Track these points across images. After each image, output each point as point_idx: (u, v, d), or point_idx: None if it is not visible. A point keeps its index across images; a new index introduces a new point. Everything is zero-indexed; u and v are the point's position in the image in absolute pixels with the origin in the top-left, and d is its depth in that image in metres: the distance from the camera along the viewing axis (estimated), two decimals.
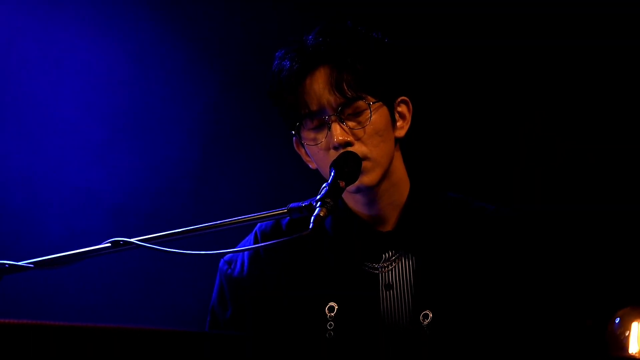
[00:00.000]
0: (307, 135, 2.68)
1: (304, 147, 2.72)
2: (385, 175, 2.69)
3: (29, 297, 3.85)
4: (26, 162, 3.92)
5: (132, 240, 2.37)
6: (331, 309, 2.69)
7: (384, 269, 2.72)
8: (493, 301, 2.67)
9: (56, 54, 3.94)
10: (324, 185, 2.50)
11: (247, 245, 2.83)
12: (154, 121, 3.99)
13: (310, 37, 2.69)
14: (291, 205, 2.47)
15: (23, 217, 3.90)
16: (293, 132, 2.71)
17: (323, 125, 2.65)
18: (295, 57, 2.66)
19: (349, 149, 2.62)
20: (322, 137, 2.65)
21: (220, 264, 2.84)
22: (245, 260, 2.80)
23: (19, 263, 2.33)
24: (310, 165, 2.76)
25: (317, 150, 2.66)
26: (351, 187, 2.62)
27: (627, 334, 2.80)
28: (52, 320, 1.84)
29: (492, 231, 2.73)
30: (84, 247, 2.39)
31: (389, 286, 2.70)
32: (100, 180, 3.95)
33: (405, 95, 2.75)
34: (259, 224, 2.83)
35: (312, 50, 2.66)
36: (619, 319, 2.94)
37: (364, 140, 2.64)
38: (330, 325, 2.68)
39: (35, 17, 3.92)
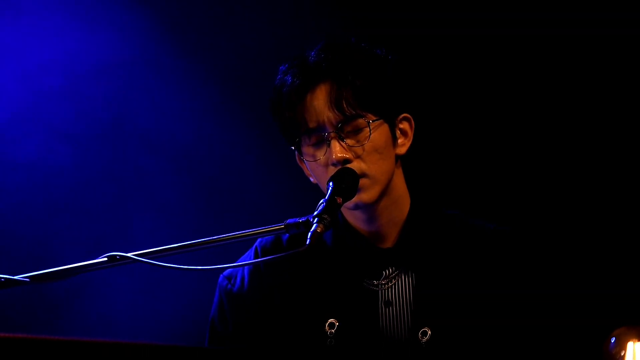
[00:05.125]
0: (307, 151, 2.68)
1: (305, 162, 2.71)
2: (385, 192, 2.68)
3: (24, 311, 3.83)
4: (25, 173, 3.91)
5: (128, 255, 2.36)
6: (331, 325, 2.68)
7: (384, 285, 2.72)
8: (491, 319, 2.67)
9: (52, 48, 3.94)
10: (321, 201, 2.50)
11: (247, 260, 2.82)
12: (152, 133, 3.98)
13: (312, 52, 2.69)
14: (288, 221, 2.47)
15: (21, 229, 3.90)
16: (293, 147, 2.71)
17: (322, 142, 2.65)
18: (297, 72, 2.66)
19: (348, 166, 2.62)
20: (321, 153, 2.65)
21: (220, 279, 2.83)
22: (246, 276, 2.79)
23: (15, 277, 2.31)
24: (311, 179, 2.76)
25: (316, 167, 2.66)
26: (349, 204, 2.62)
27: (622, 354, 2.78)
28: (47, 334, 1.83)
29: (491, 249, 2.73)
30: (80, 262, 2.38)
31: (388, 303, 2.70)
32: (97, 194, 3.94)
33: (407, 112, 2.74)
34: (259, 239, 2.82)
35: (313, 67, 2.66)
36: (614, 338, 2.93)
37: (363, 158, 2.63)
38: (330, 341, 2.67)
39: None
